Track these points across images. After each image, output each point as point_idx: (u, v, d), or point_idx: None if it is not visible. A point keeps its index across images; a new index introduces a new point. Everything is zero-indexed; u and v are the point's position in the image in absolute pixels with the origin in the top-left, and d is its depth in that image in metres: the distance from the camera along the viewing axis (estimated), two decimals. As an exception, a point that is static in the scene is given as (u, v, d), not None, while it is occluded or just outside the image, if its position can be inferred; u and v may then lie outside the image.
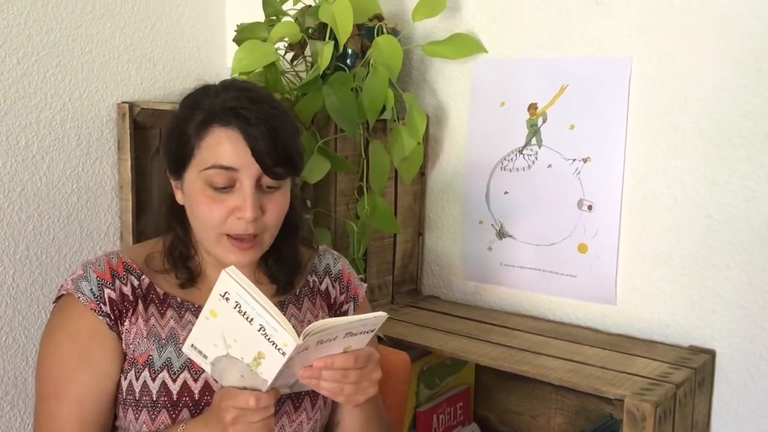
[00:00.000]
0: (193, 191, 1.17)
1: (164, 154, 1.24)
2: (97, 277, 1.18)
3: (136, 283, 1.20)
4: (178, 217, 1.24)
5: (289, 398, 1.22)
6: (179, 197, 1.22)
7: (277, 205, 1.19)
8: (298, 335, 1.00)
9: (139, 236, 1.83)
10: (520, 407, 1.88)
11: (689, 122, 1.61)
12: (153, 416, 1.16)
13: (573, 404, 1.80)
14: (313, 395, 1.25)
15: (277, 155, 1.15)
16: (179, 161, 1.19)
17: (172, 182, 1.23)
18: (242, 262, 1.17)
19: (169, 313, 1.21)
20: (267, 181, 1.16)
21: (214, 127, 1.15)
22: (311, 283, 1.34)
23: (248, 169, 1.14)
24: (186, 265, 1.24)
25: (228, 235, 1.17)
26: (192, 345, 1.08)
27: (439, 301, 2.00)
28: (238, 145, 1.14)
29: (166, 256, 1.24)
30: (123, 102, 1.84)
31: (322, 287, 1.36)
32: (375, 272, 1.90)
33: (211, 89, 1.21)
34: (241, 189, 1.15)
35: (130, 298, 1.18)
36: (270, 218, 1.18)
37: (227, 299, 1.02)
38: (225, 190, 1.15)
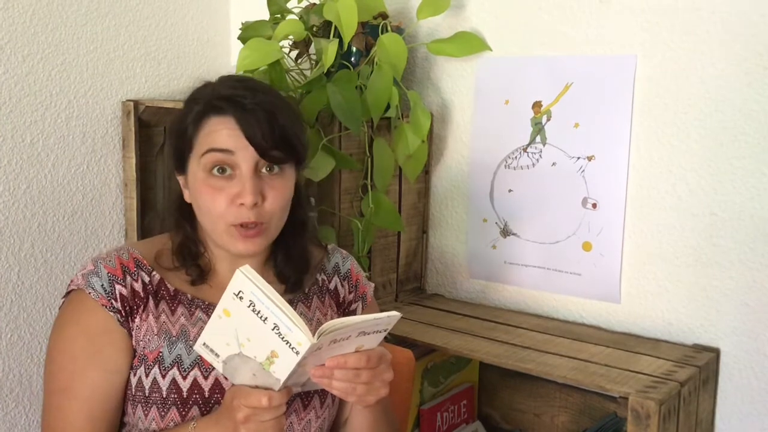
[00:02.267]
0: (196, 182, 1.19)
1: (168, 151, 1.27)
2: (108, 273, 1.18)
3: (146, 279, 1.20)
4: (186, 216, 1.25)
5: (298, 396, 1.23)
6: (187, 195, 1.24)
7: (279, 192, 1.19)
8: (312, 334, 1.00)
9: (144, 234, 1.84)
10: (524, 405, 1.88)
11: (693, 120, 1.61)
12: (162, 413, 1.16)
13: (577, 402, 1.80)
14: (323, 394, 1.25)
15: (273, 138, 1.15)
16: (181, 155, 1.21)
17: (180, 180, 1.25)
18: (250, 250, 1.18)
19: (180, 310, 1.21)
20: (264, 164, 1.17)
21: (211, 117, 1.18)
22: (320, 282, 1.35)
23: (244, 153, 1.15)
24: (196, 263, 1.24)
25: (234, 225, 1.17)
26: (204, 344, 1.08)
27: (443, 299, 2.00)
28: (233, 131, 1.16)
29: (175, 254, 1.24)
30: (128, 100, 1.84)
31: (331, 286, 1.36)
32: (379, 270, 1.90)
33: (209, 84, 1.25)
34: (240, 175, 1.16)
35: (141, 294, 1.19)
36: (271, 205, 1.18)
37: (241, 298, 1.02)
38: (225, 177, 1.16)
